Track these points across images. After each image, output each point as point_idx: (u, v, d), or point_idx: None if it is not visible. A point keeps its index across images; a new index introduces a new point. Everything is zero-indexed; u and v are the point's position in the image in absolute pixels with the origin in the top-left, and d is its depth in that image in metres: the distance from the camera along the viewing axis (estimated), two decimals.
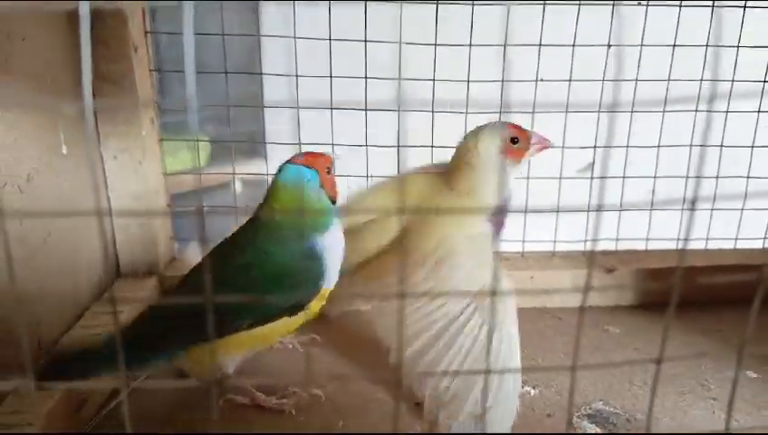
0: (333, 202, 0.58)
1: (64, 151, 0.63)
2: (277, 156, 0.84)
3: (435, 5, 0.74)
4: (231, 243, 0.57)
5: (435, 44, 0.75)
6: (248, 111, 0.79)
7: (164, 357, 0.53)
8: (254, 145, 0.83)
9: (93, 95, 0.69)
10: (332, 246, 0.56)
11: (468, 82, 0.76)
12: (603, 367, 0.40)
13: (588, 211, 0.82)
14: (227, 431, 0.55)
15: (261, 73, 0.78)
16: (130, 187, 0.73)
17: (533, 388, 0.61)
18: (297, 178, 0.55)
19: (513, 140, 0.63)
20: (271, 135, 0.85)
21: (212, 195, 0.86)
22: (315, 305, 0.55)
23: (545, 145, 0.64)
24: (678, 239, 0.85)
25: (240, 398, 0.59)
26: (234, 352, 0.55)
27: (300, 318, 0.55)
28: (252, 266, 0.53)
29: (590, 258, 0.82)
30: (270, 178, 0.58)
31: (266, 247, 0.54)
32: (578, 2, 0.76)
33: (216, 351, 0.53)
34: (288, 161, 0.56)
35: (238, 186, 0.87)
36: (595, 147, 0.81)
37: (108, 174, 0.72)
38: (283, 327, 0.55)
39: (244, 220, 0.58)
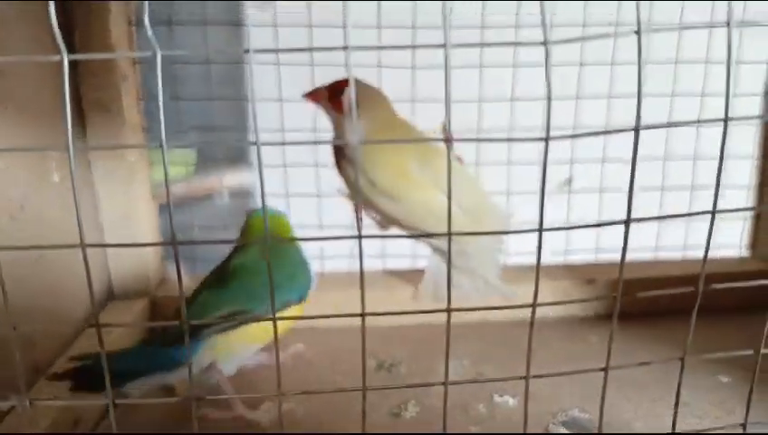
0: None
1: (56, 179, 0.66)
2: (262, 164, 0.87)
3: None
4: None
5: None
6: (232, 121, 0.81)
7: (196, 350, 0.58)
8: (239, 154, 0.85)
9: (84, 124, 0.72)
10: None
11: None
12: (554, 376, 0.43)
13: (568, 228, 0.86)
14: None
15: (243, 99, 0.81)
16: (120, 210, 0.75)
17: (513, 397, 0.63)
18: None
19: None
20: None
21: (198, 205, 0.88)
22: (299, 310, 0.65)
23: None
24: (655, 249, 0.88)
25: (218, 413, 0.60)
26: (243, 345, 0.62)
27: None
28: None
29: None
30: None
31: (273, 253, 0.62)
32: None
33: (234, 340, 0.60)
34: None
35: (225, 196, 0.88)
36: (572, 162, 0.83)
37: (98, 198, 0.75)
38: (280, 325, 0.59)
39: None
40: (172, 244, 0.30)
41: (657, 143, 0.84)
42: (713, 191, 0.85)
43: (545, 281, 0.83)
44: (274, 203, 0.81)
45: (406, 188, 0.71)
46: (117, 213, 0.75)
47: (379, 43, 0.77)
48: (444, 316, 0.35)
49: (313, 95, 0.71)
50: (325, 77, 0.72)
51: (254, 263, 0.65)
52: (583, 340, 0.77)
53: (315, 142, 0.75)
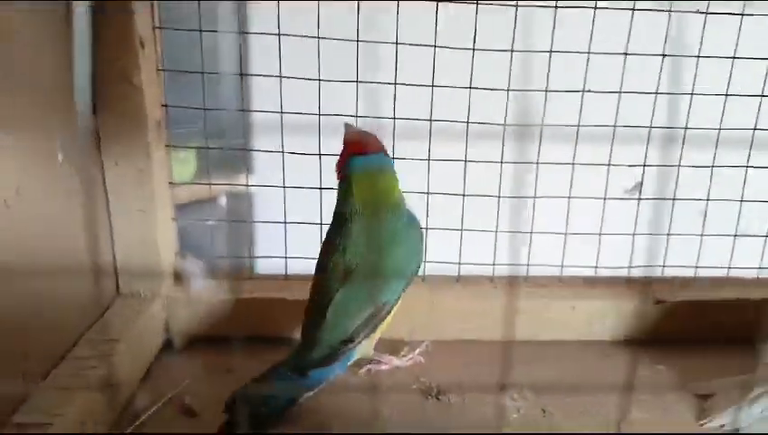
0: None
1: (60, 159, 0.56)
2: (263, 170, 0.77)
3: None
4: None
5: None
6: (234, 125, 0.72)
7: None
8: (241, 159, 0.76)
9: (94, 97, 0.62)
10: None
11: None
12: None
13: (634, 234, 0.76)
14: None
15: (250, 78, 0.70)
16: (132, 196, 0.65)
17: None
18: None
19: None
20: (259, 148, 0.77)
21: (200, 209, 0.80)
22: None
23: None
24: (729, 268, 0.79)
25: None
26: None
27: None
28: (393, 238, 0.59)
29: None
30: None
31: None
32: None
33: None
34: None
35: (223, 200, 0.81)
36: (645, 165, 0.73)
37: (108, 182, 0.65)
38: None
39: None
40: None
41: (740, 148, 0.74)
42: None
43: (608, 299, 0.73)
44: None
45: None
46: (129, 201, 0.65)
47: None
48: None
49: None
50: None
51: (380, 244, 0.58)
52: (650, 367, 0.67)
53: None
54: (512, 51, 0.67)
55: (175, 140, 0.70)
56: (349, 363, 0.57)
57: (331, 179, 0.63)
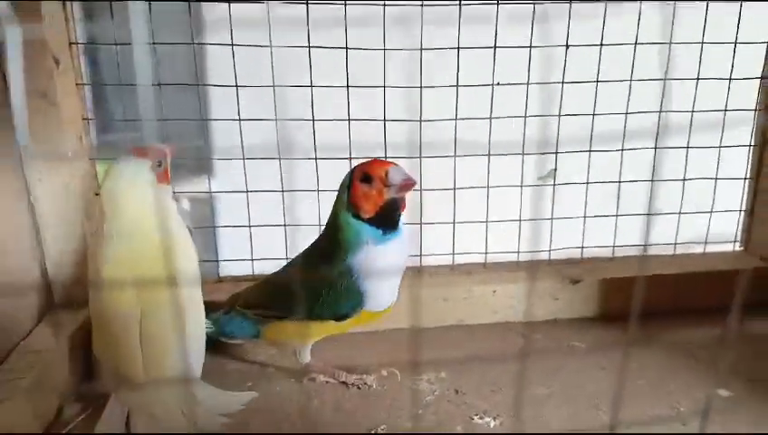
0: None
1: None
2: (224, 172, 0.80)
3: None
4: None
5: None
6: (192, 126, 0.73)
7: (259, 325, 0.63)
8: (200, 162, 0.78)
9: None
10: (368, 265, 0.57)
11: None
12: None
13: (552, 219, 0.80)
14: None
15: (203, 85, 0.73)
16: (59, 210, 0.67)
17: (494, 419, 0.57)
18: None
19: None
20: (219, 151, 0.80)
21: None
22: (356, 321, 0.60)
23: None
24: (644, 245, 0.83)
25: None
26: (306, 338, 0.62)
27: (348, 324, 0.60)
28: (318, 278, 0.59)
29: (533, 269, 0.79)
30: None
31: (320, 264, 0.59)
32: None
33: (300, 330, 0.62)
34: None
35: (185, 204, 0.82)
36: (556, 152, 0.77)
37: (33, 197, 0.67)
38: (336, 328, 0.61)
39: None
40: None
41: (648, 134, 0.78)
42: (703, 182, 0.82)
43: (528, 281, 0.77)
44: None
45: None
46: (54, 212, 0.67)
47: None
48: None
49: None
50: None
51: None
52: (570, 347, 0.71)
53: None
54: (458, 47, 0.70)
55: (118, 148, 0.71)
56: (245, 336, 0.65)
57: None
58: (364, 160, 0.58)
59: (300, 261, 0.63)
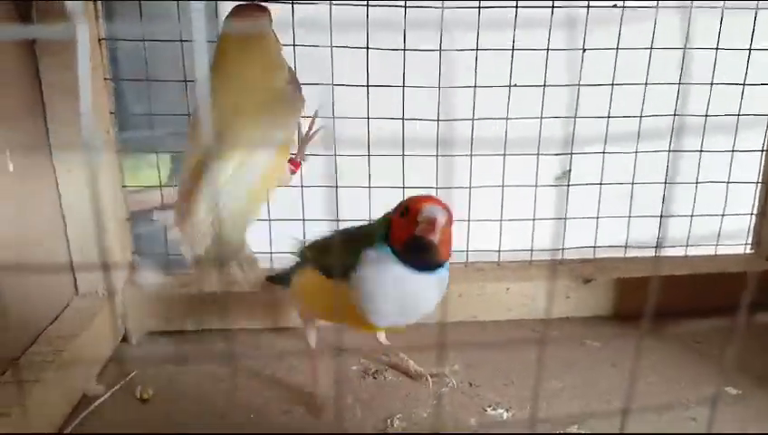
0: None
1: (10, 169, 0.60)
2: None
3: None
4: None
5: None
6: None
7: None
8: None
9: (44, 107, 0.66)
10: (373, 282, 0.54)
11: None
12: None
13: (565, 218, 0.81)
14: None
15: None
16: (85, 201, 0.69)
17: (507, 410, 0.59)
18: None
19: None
20: None
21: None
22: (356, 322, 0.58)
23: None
24: (656, 247, 0.84)
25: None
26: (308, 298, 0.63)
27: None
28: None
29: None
30: None
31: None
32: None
33: None
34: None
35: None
36: (572, 153, 0.78)
37: (61, 189, 0.69)
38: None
39: None
40: None
41: (663, 136, 0.79)
42: (717, 184, 0.83)
43: (541, 280, 0.78)
44: None
45: None
46: (81, 205, 0.69)
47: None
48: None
49: None
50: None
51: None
52: (582, 343, 0.72)
53: None
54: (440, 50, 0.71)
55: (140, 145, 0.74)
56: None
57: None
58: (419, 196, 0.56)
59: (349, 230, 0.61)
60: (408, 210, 0.53)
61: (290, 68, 0.65)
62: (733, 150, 0.82)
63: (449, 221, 0.52)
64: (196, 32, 0.22)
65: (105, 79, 0.70)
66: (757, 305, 0.34)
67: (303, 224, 0.76)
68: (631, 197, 0.82)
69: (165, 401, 0.61)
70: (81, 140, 0.25)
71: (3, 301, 0.57)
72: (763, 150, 0.83)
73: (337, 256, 0.57)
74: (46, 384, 0.56)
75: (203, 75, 0.24)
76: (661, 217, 0.83)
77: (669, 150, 0.77)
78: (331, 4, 0.70)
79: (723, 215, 0.83)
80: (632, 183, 0.81)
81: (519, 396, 0.61)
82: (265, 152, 0.60)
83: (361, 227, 0.61)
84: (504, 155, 0.77)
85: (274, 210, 0.76)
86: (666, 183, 0.82)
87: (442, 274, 0.55)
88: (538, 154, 0.77)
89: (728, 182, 0.82)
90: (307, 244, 0.67)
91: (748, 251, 0.87)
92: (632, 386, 0.35)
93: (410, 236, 0.52)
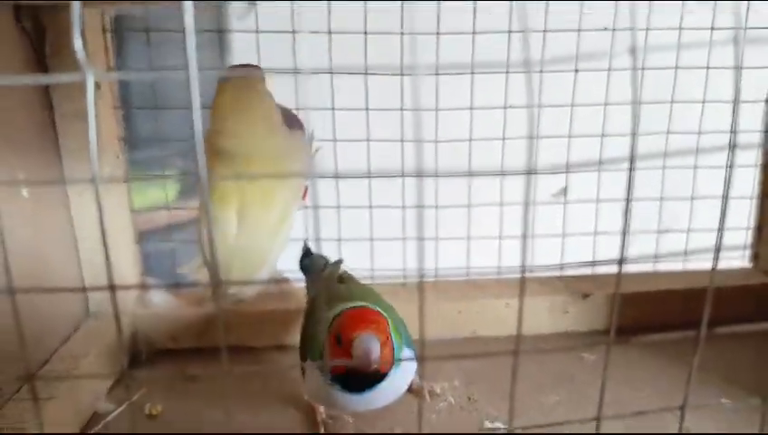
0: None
1: (25, 195, 0.62)
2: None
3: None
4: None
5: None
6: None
7: None
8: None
9: (56, 134, 0.69)
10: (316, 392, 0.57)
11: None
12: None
13: (563, 236, 0.83)
14: None
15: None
16: (96, 223, 0.72)
17: (504, 423, 0.60)
18: None
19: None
20: None
21: (181, 231, 0.86)
22: None
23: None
24: (655, 261, 0.85)
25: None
26: None
27: None
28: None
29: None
30: None
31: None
32: None
33: None
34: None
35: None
36: (567, 171, 0.80)
37: (73, 212, 0.71)
38: None
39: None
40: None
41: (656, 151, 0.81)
42: (711, 199, 0.84)
43: (540, 295, 0.80)
44: None
45: None
46: (92, 228, 0.72)
47: (366, 48, 0.73)
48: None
49: None
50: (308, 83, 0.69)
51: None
52: (579, 357, 0.73)
53: None
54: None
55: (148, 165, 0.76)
56: None
57: None
58: (351, 312, 0.53)
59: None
60: (340, 339, 0.50)
61: (280, 107, 0.69)
62: (726, 166, 0.83)
63: (386, 341, 0.50)
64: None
65: (114, 107, 0.73)
66: (756, 319, 0.35)
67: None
68: (626, 213, 0.83)
69: (173, 418, 0.63)
70: (91, 172, 0.27)
71: (19, 320, 0.59)
72: (757, 165, 0.84)
73: (302, 334, 0.62)
74: (59, 401, 0.58)
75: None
76: (658, 232, 0.85)
77: (663, 167, 0.79)
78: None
79: (720, 230, 0.85)
80: (627, 199, 0.83)
81: (518, 410, 0.62)
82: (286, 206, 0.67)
83: (330, 292, 0.62)
84: (502, 174, 0.79)
85: None
86: (661, 199, 0.84)
87: (394, 376, 0.52)
88: (535, 173, 0.79)
89: (724, 197, 0.84)
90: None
91: (746, 265, 0.89)
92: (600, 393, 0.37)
93: (347, 369, 0.50)
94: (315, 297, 0.66)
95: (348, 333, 0.49)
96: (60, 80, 0.29)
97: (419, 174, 0.28)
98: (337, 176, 0.33)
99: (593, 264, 0.82)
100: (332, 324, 0.52)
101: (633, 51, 0.28)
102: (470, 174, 0.78)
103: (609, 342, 0.32)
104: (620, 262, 0.30)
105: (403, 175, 0.76)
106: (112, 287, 0.31)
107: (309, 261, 0.74)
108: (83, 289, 0.75)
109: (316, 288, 0.68)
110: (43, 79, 0.25)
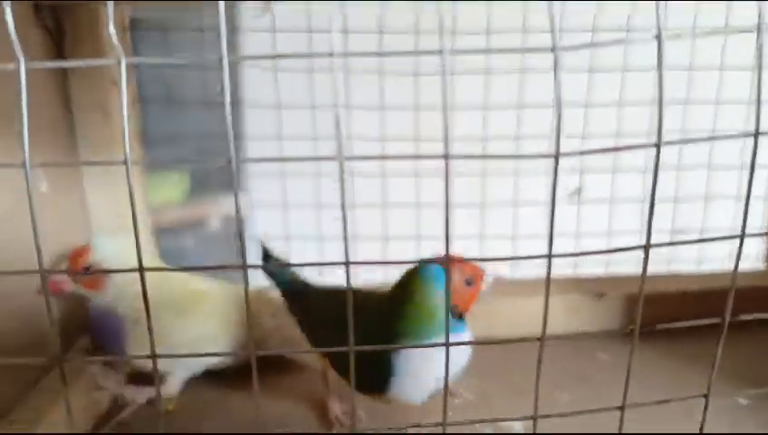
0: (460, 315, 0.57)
1: (44, 189, 0.63)
2: (258, 189, 0.85)
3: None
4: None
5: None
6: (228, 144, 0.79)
7: None
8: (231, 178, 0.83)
9: (73, 127, 0.69)
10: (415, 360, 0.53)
11: None
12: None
13: (577, 235, 0.83)
14: None
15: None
16: (113, 220, 0.72)
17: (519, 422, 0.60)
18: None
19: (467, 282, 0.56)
20: (253, 167, 0.85)
21: (190, 230, 0.86)
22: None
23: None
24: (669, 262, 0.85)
25: None
26: None
27: None
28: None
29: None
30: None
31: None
32: None
33: None
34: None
35: (216, 222, 0.86)
36: (581, 172, 0.80)
37: (90, 208, 0.72)
38: None
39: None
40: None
41: (671, 152, 0.81)
42: (726, 200, 0.84)
43: (554, 295, 0.79)
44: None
45: None
46: (108, 222, 0.72)
47: (381, 48, 0.74)
48: None
49: None
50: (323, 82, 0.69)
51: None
52: (592, 357, 0.73)
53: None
54: None
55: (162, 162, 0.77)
56: None
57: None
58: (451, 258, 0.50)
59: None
60: (472, 280, 0.57)
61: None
62: (741, 168, 0.83)
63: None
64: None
65: (134, 102, 0.74)
66: None
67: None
68: (642, 213, 0.83)
69: (188, 413, 0.63)
70: (119, 159, 0.28)
71: (49, 299, 0.60)
72: None
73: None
74: (73, 399, 0.59)
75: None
76: (673, 232, 0.85)
77: (677, 168, 0.79)
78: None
79: (736, 237, 0.85)
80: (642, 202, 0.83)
81: (531, 407, 0.62)
82: None
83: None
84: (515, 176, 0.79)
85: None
86: (675, 201, 0.83)
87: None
88: (555, 172, 0.79)
89: (737, 198, 0.84)
90: None
91: (761, 267, 0.88)
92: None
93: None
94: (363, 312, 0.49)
95: (475, 270, 0.56)
96: (92, 63, 0.29)
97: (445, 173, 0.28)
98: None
99: (620, 250, 0.81)
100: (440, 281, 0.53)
101: (659, 48, 0.28)
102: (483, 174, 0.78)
103: (634, 329, 0.32)
104: (646, 247, 0.30)
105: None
106: (141, 270, 0.31)
107: (272, 265, 0.66)
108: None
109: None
110: (74, 63, 0.25)
